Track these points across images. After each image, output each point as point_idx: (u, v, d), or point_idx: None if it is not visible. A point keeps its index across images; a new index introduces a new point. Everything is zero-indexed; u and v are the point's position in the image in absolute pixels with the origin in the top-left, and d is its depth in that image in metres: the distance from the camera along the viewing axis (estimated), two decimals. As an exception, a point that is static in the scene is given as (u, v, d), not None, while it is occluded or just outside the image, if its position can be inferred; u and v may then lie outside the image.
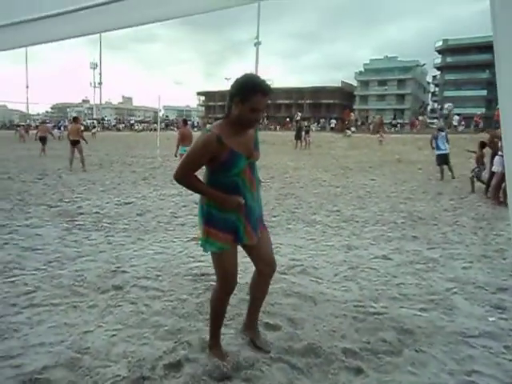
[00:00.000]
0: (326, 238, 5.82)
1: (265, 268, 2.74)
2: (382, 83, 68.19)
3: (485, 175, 10.09)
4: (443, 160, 12.55)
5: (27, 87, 65.59)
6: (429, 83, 73.04)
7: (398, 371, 2.59)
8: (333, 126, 42.88)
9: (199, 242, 2.61)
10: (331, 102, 68.97)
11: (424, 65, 68.83)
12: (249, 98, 2.30)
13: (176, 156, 11.52)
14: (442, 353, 2.79)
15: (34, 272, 4.23)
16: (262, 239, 2.67)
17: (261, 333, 2.95)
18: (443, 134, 13.00)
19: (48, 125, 29.42)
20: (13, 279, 4.02)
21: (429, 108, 66.16)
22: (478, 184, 10.09)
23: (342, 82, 73.25)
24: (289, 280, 4.12)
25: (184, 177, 2.42)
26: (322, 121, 52.35)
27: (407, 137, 30.57)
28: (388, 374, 2.55)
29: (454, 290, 3.95)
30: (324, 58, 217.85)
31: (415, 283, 4.12)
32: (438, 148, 12.71)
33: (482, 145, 10.69)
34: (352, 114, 44.34)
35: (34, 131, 37.85)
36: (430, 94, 73.26)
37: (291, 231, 6.24)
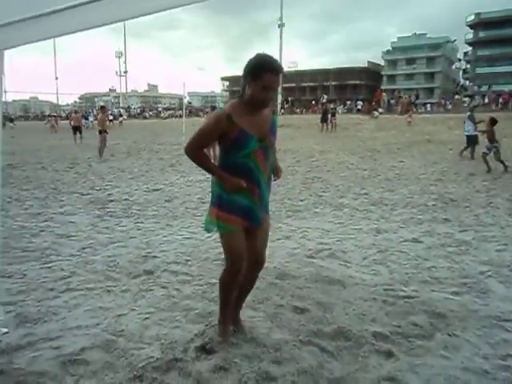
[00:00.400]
0: (354, 222, 5.76)
1: (256, 264, 2.70)
2: (411, 62, 66.02)
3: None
4: (471, 141, 12.23)
5: (56, 78, 66.95)
6: (460, 60, 70.21)
7: (429, 355, 2.56)
8: (359, 107, 41.94)
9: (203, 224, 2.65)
10: (357, 82, 67.39)
11: (455, 40, 66.11)
12: (260, 77, 2.34)
13: None
14: (476, 337, 2.74)
15: (69, 258, 4.38)
16: (259, 230, 2.64)
17: (244, 324, 2.87)
18: (469, 114, 12.67)
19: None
20: (50, 265, 4.18)
21: (459, 85, 63.79)
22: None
23: (369, 61, 71.35)
24: (317, 264, 4.11)
25: (192, 151, 2.49)
26: (348, 103, 51.35)
27: (438, 116, 29.65)
28: (419, 358, 2.53)
29: (488, 273, 3.85)
30: (349, 38, 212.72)
31: (447, 266, 4.04)
32: (465, 129, 12.46)
33: (493, 121, 10.32)
34: (384, 93, 42.65)
35: (64, 121, 38.94)
36: (460, 72, 70.51)
37: (318, 215, 6.21)
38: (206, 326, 2.89)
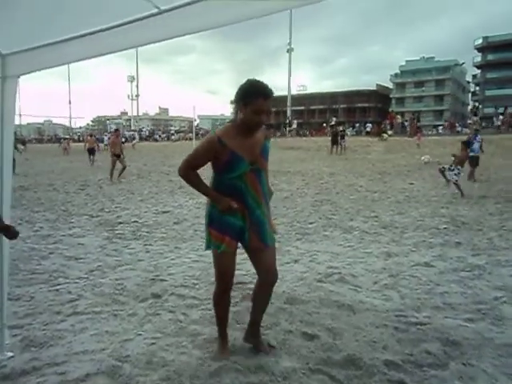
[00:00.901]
0: (364, 245, 5.69)
1: (267, 278, 2.73)
2: (419, 84, 66.53)
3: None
4: (474, 162, 12.36)
5: (70, 102, 68.59)
6: (468, 82, 70.54)
7: (444, 385, 2.47)
8: (368, 129, 42.04)
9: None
10: (366, 105, 67.87)
11: (463, 64, 66.61)
12: (251, 102, 2.42)
13: None
14: (493, 366, 2.64)
15: (77, 280, 4.37)
16: (268, 249, 2.68)
17: (263, 341, 2.90)
18: (479, 137, 12.88)
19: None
20: (57, 287, 4.17)
21: (469, 108, 63.83)
22: None
23: (377, 84, 71.98)
24: (326, 288, 4.04)
25: (185, 171, 2.59)
26: (357, 125, 51.54)
27: (448, 139, 29.56)
28: (433, 388, 2.44)
29: (503, 298, 3.74)
30: (357, 61, 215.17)
31: (460, 292, 3.94)
32: (472, 150, 12.49)
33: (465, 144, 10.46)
34: (398, 116, 42.16)
35: (76, 144, 39.68)
36: (469, 94, 70.71)
37: (328, 238, 6.15)
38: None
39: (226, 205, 2.51)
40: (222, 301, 2.77)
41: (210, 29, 1.96)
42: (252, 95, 2.43)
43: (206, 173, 2.72)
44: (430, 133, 38.60)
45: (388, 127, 37.92)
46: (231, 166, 2.50)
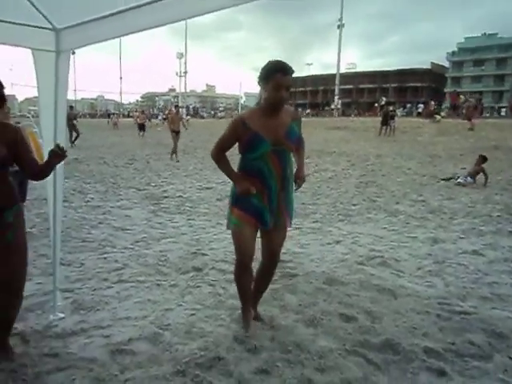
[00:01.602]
0: (410, 230, 5.52)
1: (268, 259, 2.84)
2: (479, 63, 62.47)
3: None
4: None
5: (121, 78, 70.40)
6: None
7: (486, 377, 2.38)
8: (420, 110, 40.19)
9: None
10: (419, 85, 64.76)
11: (530, 41, 61.61)
12: (272, 78, 2.50)
13: None
14: (541, 362, 2.51)
15: (123, 250, 4.56)
16: (277, 232, 2.75)
17: (263, 317, 3.01)
18: None
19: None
20: (105, 256, 4.37)
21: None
22: None
23: (432, 63, 68.40)
24: (367, 271, 3.97)
25: (215, 154, 2.72)
26: (408, 105, 49.48)
27: (506, 122, 27.78)
28: (475, 380, 2.36)
29: (558, 293, 3.52)
30: (410, 39, 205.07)
31: (510, 283, 3.75)
32: None
33: (481, 159, 9.17)
34: (462, 96, 38.98)
35: (126, 119, 40.92)
36: (535, 74, 65.64)
37: (371, 221, 6.02)
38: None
39: (245, 188, 2.59)
40: (242, 277, 2.79)
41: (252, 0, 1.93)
42: (271, 72, 2.51)
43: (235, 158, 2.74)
44: (487, 115, 36.34)
45: (446, 109, 35.55)
46: (252, 146, 2.58)
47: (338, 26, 41.76)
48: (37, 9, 2.51)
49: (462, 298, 3.41)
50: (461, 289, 3.60)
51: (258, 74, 2.58)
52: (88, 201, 7.07)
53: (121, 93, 72.89)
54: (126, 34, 2.79)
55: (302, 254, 4.49)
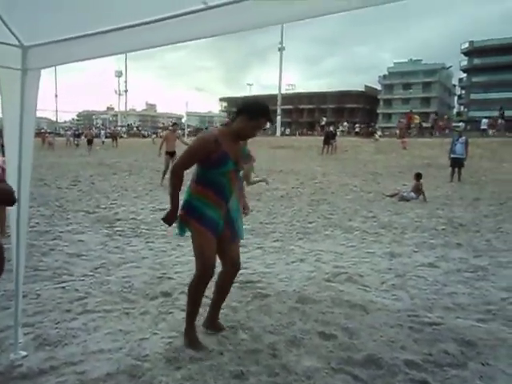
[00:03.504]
0: (367, 245, 5.73)
1: (233, 267, 3.03)
2: (407, 86, 67.31)
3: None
4: (457, 163, 12.87)
5: (56, 96, 67.45)
6: (454, 86, 71.59)
7: (466, 385, 2.50)
8: (357, 130, 42.30)
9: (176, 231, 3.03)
10: (355, 106, 68.44)
11: (450, 67, 67.60)
12: (256, 118, 2.78)
13: None
14: (510, 367, 2.68)
15: (82, 278, 4.30)
16: (236, 242, 3.02)
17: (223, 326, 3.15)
18: (464, 138, 13.14)
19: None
20: (63, 285, 4.09)
21: (455, 111, 64.90)
22: None
23: (366, 86, 72.68)
24: (336, 288, 4.06)
25: (179, 170, 2.79)
26: (345, 125, 51.88)
27: (434, 141, 29.98)
28: (456, 388, 2.47)
29: (510, 299, 3.81)
30: (346, 62, 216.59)
31: (467, 292, 4.00)
32: (453, 152, 12.99)
33: (417, 176, 9.94)
34: (416, 116, 40.02)
35: (60, 138, 39.33)
36: (455, 97, 71.78)
37: (329, 237, 6.17)
38: (231, 351, 2.82)
39: (171, 222, 2.90)
40: (202, 289, 2.89)
41: (254, 28, 1.95)
42: (259, 115, 2.78)
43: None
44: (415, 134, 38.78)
45: (380, 129, 37.30)
46: (220, 163, 2.76)
47: (279, 49, 43.19)
48: (4, 23, 2.36)
49: (429, 310, 3.57)
50: (425, 300, 3.78)
51: (244, 105, 2.85)
52: (33, 226, 6.58)
53: (56, 111, 69.73)
54: (97, 57, 2.70)
55: (269, 273, 4.50)
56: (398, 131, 34.70)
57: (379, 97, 69.63)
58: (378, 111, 68.02)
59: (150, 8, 2.06)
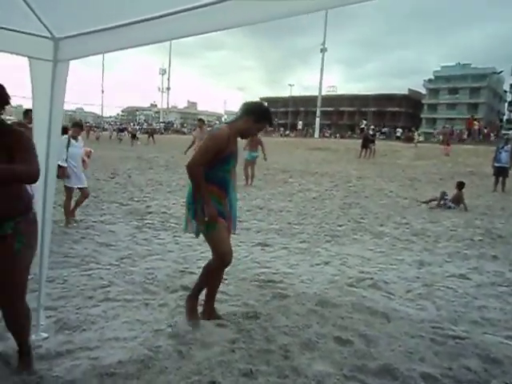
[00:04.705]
0: (396, 252, 5.55)
1: (228, 259, 3.10)
2: (454, 91, 64.82)
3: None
4: (501, 173, 12.32)
5: (102, 91, 69.85)
6: (505, 92, 68.29)
7: (486, 404, 2.36)
8: (399, 134, 41.20)
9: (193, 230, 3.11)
10: (397, 109, 66.62)
11: (501, 72, 64.44)
12: (261, 122, 3.05)
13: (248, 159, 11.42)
14: (538, 389, 2.51)
15: (108, 267, 4.41)
16: (230, 234, 3.16)
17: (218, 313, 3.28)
18: (509, 146, 12.50)
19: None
20: (89, 272, 4.21)
21: (505, 118, 61.87)
22: None
23: (409, 89, 70.62)
24: (358, 293, 3.95)
25: (197, 167, 2.85)
26: (385, 129, 50.72)
27: (479, 148, 28.76)
28: (475, 407, 2.33)
29: (546, 318, 3.57)
30: (388, 65, 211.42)
31: (499, 307, 3.78)
32: (498, 160, 12.44)
33: (460, 185, 9.41)
34: (476, 122, 38.73)
35: (105, 132, 40.92)
36: (506, 104, 68.45)
37: (358, 242, 6.03)
38: (245, 350, 2.80)
39: (215, 215, 2.87)
40: (218, 276, 3.20)
41: (243, 25, 1.97)
42: (265, 119, 3.07)
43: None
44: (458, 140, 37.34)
45: (422, 134, 36.10)
46: (227, 160, 2.93)
47: (321, 50, 42.78)
48: (37, 16, 2.44)
49: (454, 322, 3.41)
50: (452, 313, 3.61)
51: (252, 107, 3.05)
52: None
53: (102, 106, 72.29)
54: (126, 48, 2.75)
55: (291, 274, 4.44)
56: (441, 137, 33.55)
57: (423, 101, 67.40)
58: (422, 116, 65.85)
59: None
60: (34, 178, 2.10)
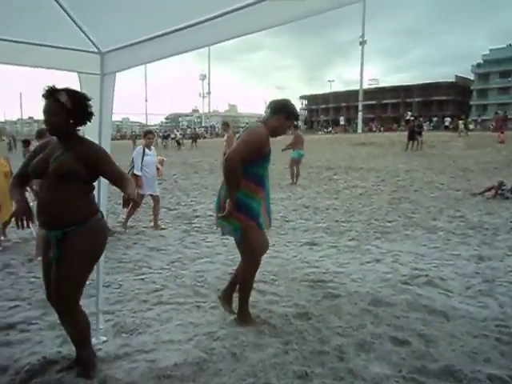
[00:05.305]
0: (452, 247, 5.30)
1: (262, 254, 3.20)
2: (505, 75, 61.14)
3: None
4: None
5: (146, 100, 72.22)
6: None
7: (562, 409, 2.18)
8: (447, 124, 39.44)
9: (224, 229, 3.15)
10: (444, 98, 63.79)
11: (557, 50, 60.08)
12: (290, 119, 3.10)
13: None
14: None
15: (159, 271, 4.53)
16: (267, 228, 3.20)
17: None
18: None
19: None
20: (142, 277, 4.34)
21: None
22: None
23: (457, 76, 67.46)
24: (413, 291, 3.80)
25: (236, 163, 2.80)
26: (434, 119, 48.77)
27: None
28: (550, 411, 2.16)
29: None
30: (433, 52, 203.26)
31: None
32: None
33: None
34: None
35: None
36: None
37: (410, 238, 5.82)
38: (298, 351, 2.76)
39: (231, 211, 2.87)
40: (253, 278, 3.19)
41: (280, 25, 1.94)
42: (294, 116, 3.18)
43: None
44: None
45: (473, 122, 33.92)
46: (266, 159, 2.98)
47: (360, 43, 41.87)
48: (84, 33, 2.55)
49: (521, 320, 3.20)
50: (517, 310, 3.39)
51: (283, 105, 3.07)
52: (120, 221, 7.10)
53: (146, 114, 74.71)
54: (168, 56, 2.79)
55: (341, 273, 4.35)
56: (493, 124, 31.81)
57: (472, 87, 64.11)
58: (471, 103, 62.69)
59: (210, 5, 2.09)
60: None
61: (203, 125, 73.14)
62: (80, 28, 2.50)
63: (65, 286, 2.32)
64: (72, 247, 2.27)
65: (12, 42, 2.40)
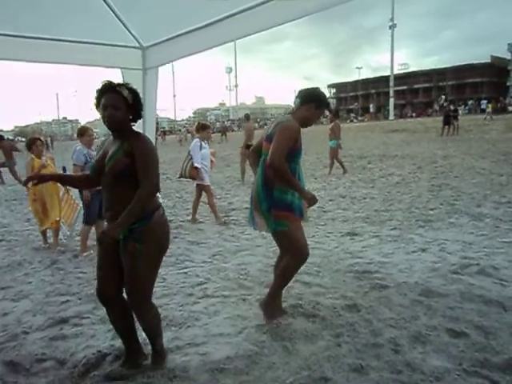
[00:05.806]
0: (501, 234, 5.07)
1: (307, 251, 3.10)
2: (545, 52, 58.05)
3: None
4: None
5: (174, 96, 73.02)
6: None
7: None
8: (483, 107, 37.91)
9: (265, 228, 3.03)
10: (478, 80, 61.23)
11: None
12: (321, 108, 2.98)
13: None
14: None
15: (202, 264, 4.55)
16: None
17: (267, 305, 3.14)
18: None
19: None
20: (185, 270, 4.38)
21: None
22: None
23: (492, 56, 64.55)
24: (465, 281, 3.65)
25: (282, 163, 2.72)
26: (469, 102, 46.98)
27: None
28: None
29: None
30: (465, 33, 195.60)
31: None
32: None
33: None
34: None
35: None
36: None
37: (455, 226, 5.61)
38: (351, 344, 2.70)
39: (314, 197, 2.82)
40: (296, 272, 3.08)
41: (306, 15, 1.81)
42: (324, 104, 3.01)
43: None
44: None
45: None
46: (299, 153, 2.88)
47: (390, 27, 40.72)
48: (127, 29, 2.54)
49: None
50: None
51: (312, 95, 2.94)
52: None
53: (175, 110, 75.57)
54: (206, 49, 2.76)
55: (387, 263, 4.24)
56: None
57: (509, 67, 61.27)
58: (509, 84, 59.97)
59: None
60: (153, 193, 2.23)
61: (231, 118, 73.29)
62: (123, 23, 2.50)
63: (137, 283, 2.34)
64: (140, 243, 2.27)
65: (64, 42, 2.42)
